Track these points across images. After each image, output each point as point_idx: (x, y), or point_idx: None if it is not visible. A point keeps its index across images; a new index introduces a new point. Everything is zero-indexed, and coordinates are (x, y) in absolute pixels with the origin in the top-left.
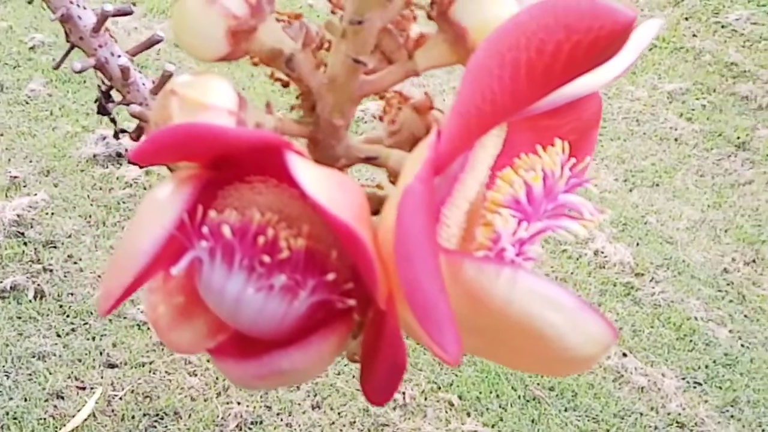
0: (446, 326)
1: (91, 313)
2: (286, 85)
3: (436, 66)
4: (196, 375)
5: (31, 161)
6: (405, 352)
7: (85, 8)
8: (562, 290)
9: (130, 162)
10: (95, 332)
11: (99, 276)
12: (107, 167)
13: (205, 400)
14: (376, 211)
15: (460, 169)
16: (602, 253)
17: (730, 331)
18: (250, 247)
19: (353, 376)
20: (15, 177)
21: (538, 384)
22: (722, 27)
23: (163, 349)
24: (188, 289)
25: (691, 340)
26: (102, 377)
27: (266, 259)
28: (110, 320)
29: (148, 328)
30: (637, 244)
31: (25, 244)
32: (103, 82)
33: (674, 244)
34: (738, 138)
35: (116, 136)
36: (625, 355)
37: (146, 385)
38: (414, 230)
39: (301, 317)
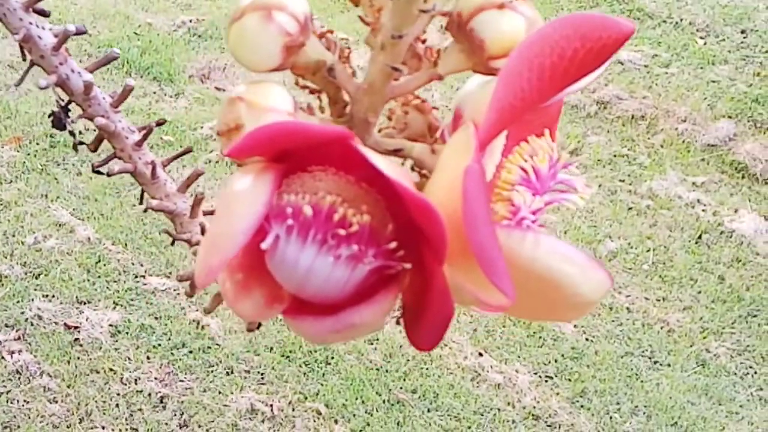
0: (506, 276)
1: None
2: (313, 92)
3: (454, 71)
4: (56, 401)
5: None
6: (453, 304)
7: (43, 28)
8: (574, 248)
9: (229, 156)
10: None
11: None
12: None
13: (67, 427)
14: None
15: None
16: None
17: (575, 326)
18: (324, 224)
19: (219, 392)
20: None
21: (401, 388)
22: None
23: (20, 378)
24: (245, 267)
25: (540, 337)
26: None
27: (342, 232)
28: None
29: (2, 357)
30: None
31: None
32: (60, 98)
33: None
34: (570, 144)
35: (75, 148)
36: (481, 354)
37: (5, 416)
38: (478, 201)
39: (359, 282)
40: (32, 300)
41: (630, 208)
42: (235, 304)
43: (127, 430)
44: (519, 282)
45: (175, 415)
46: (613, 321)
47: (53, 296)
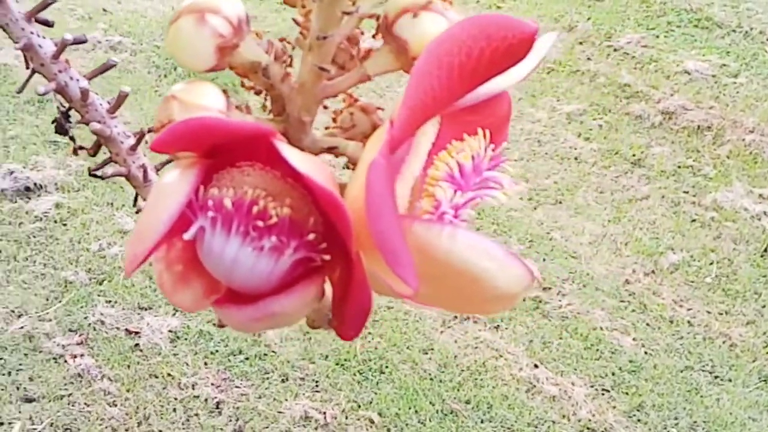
0: (408, 266)
1: (6, 348)
2: (258, 92)
3: (384, 72)
4: (116, 405)
5: None
6: (371, 295)
7: (44, 38)
8: (493, 242)
9: (153, 150)
10: (11, 367)
11: (12, 311)
12: (16, 202)
13: (126, 430)
14: None
15: (406, 152)
16: None
17: (634, 339)
18: (245, 216)
19: (274, 399)
20: None
21: (454, 398)
22: (614, 50)
23: (81, 382)
24: (185, 259)
25: (597, 350)
26: (20, 412)
27: (260, 223)
28: (26, 354)
29: (65, 361)
30: (544, 260)
31: None
32: (61, 104)
33: (578, 258)
34: (633, 155)
35: (75, 152)
36: (536, 366)
37: (66, 418)
38: (380, 192)
39: (284, 273)
40: (95, 305)
41: (693, 220)
42: (173, 295)
43: None
44: (437, 274)
45: (231, 420)
46: (673, 334)
47: (116, 302)
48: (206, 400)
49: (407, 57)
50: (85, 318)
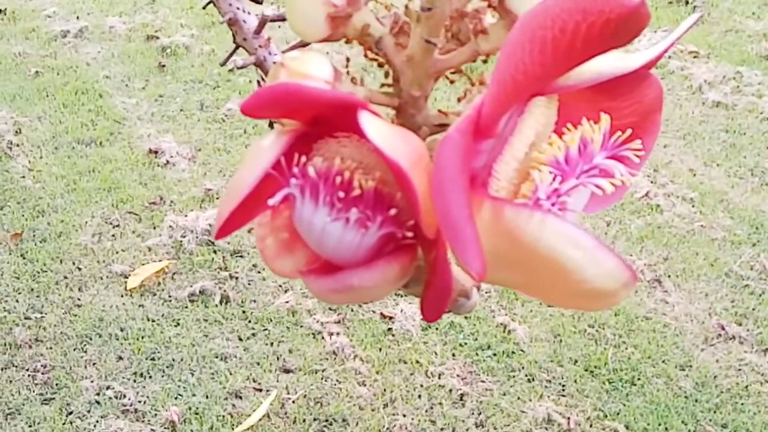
0: (471, 246)
1: (271, 320)
2: (381, 64)
3: (498, 48)
4: (365, 385)
5: (224, 175)
6: (451, 276)
7: (249, 13)
8: (583, 232)
9: (242, 113)
10: (273, 338)
11: (280, 285)
12: None
13: (372, 410)
14: None
15: (510, 133)
16: None
17: None
18: (330, 186)
19: (518, 398)
20: (209, 189)
21: (710, 420)
22: None
23: (335, 358)
24: (292, 227)
25: None
26: (277, 381)
27: (342, 194)
28: (288, 328)
29: (323, 338)
30: None
31: (215, 252)
32: (262, 78)
33: None
34: None
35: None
36: None
37: (318, 391)
38: (448, 168)
39: (373, 247)
40: None
41: None
42: (273, 261)
43: (425, 420)
44: (526, 261)
45: (473, 413)
46: None
47: None
48: (451, 390)
49: None
50: None
